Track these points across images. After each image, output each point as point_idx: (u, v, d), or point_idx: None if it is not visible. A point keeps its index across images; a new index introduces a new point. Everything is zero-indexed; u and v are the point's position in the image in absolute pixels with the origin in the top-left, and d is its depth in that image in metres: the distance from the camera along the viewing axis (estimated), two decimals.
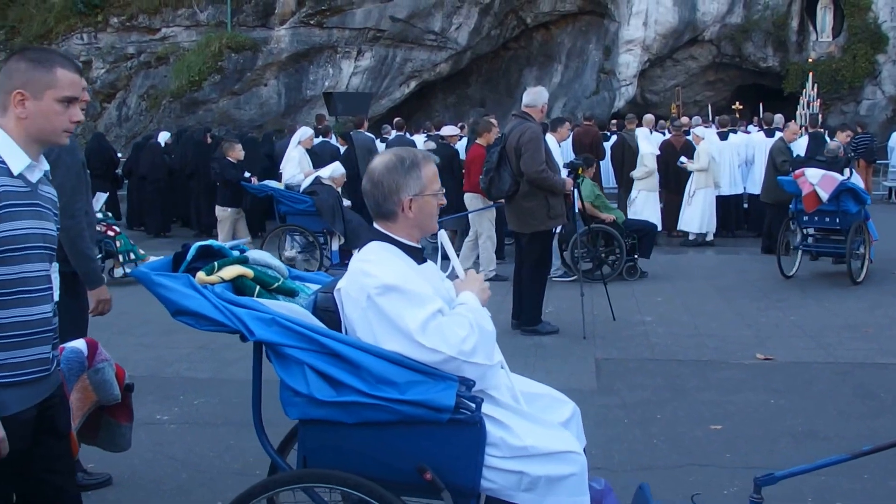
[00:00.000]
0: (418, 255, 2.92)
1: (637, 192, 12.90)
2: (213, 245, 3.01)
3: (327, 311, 2.88)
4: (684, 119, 18.46)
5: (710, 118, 20.61)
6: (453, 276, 3.09)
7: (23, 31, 23.80)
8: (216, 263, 2.90)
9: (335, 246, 10.77)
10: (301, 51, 22.96)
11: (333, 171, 11.08)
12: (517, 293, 7.74)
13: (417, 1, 22.90)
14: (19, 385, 2.47)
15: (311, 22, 22.97)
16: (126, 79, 23.60)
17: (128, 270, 10.09)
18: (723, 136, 14.22)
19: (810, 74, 23.74)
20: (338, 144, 15.01)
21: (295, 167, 11.51)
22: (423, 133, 17.11)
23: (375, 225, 2.93)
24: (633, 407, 5.57)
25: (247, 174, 11.58)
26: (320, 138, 15.56)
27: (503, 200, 7.75)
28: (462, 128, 16.72)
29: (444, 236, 3.13)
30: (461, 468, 2.66)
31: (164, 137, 16.85)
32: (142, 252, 10.55)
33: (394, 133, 17.45)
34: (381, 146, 15.45)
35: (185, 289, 2.73)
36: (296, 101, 23.05)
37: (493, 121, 10.73)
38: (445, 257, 3.12)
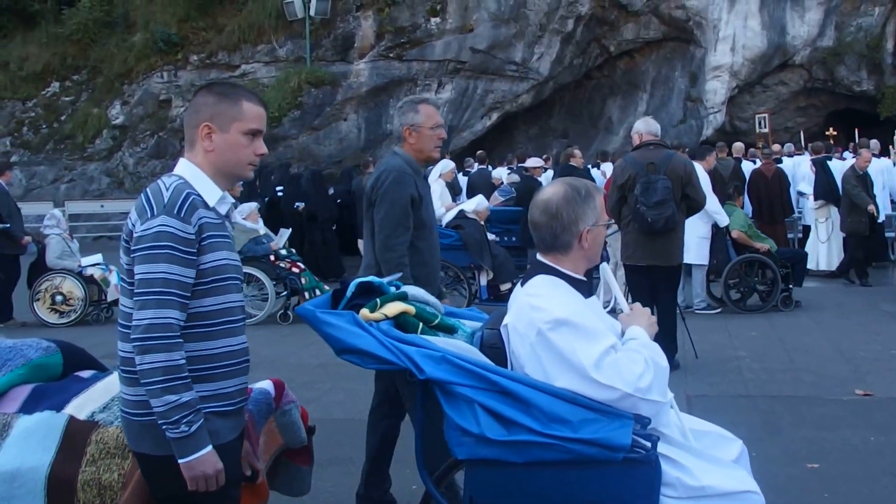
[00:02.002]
0: (585, 289, 2.87)
1: None
2: (374, 281, 2.99)
3: (494, 347, 2.83)
4: (776, 147, 17.76)
5: (804, 145, 19.80)
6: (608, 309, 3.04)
7: (105, 71, 23.92)
8: (378, 300, 2.87)
9: (483, 281, 10.34)
10: (380, 84, 22.62)
11: (478, 204, 10.78)
12: None
13: (498, 31, 22.43)
14: (227, 416, 2.55)
15: (391, 55, 22.65)
16: None
17: None
18: (819, 163, 13.51)
19: None
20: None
21: (436, 201, 11.06)
22: (506, 166, 16.65)
23: (541, 258, 2.89)
24: None
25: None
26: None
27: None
28: (546, 159, 16.28)
29: (606, 269, 3.08)
30: None
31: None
32: (327, 288, 10.32)
33: (476, 166, 17.01)
34: (462, 180, 15.04)
35: (351, 326, 2.72)
36: (376, 136, 22.69)
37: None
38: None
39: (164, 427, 2.39)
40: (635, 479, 2.57)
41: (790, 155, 17.38)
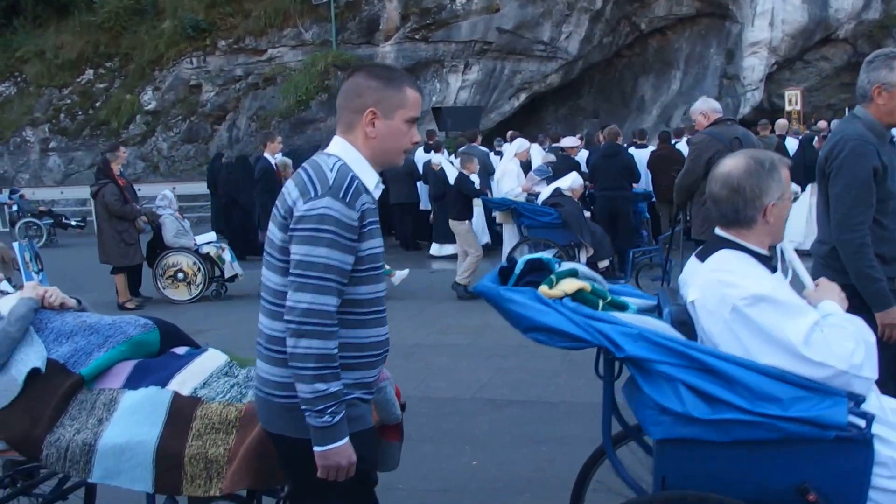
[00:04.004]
0: (769, 264, 2.75)
1: None
2: (543, 258, 2.95)
3: (684, 324, 2.77)
4: (821, 123, 17.10)
5: None
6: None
7: (136, 58, 24.24)
8: (553, 277, 2.80)
9: (583, 259, 10.10)
10: (407, 66, 22.42)
11: (573, 181, 10.57)
12: None
13: (524, 11, 22.05)
14: (368, 403, 2.57)
15: (417, 37, 22.48)
16: (235, 101, 23.69)
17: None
18: None
19: None
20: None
21: (513, 180, 11.09)
22: (539, 145, 16.33)
23: (722, 233, 2.79)
24: None
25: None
26: (431, 153, 15.03)
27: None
28: (581, 139, 15.93)
29: (787, 245, 2.99)
30: (846, 489, 2.50)
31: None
32: (387, 267, 10.19)
33: (505, 146, 16.71)
34: (494, 160, 14.83)
35: (536, 304, 2.66)
36: None
37: None
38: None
39: (307, 413, 2.36)
40: (847, 458, 2.49)
41: None
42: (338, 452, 2.38)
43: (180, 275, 10.45)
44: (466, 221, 10.27)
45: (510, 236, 10.52)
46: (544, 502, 4.26)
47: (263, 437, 2.77)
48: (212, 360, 3.28)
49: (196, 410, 3.02)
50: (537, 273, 2.88)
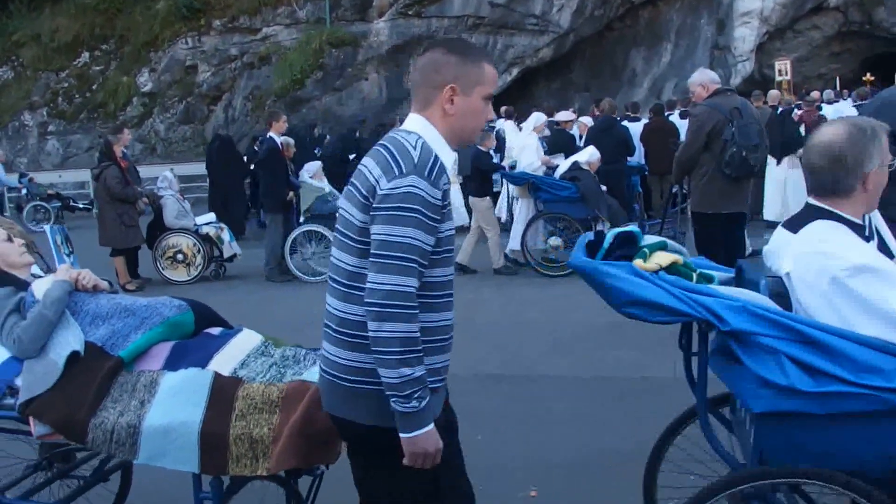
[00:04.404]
0: (863, 234, 2.71)
1: None
2: (633, 231, 2.89)
3: (781, 295, 2.70)
4: (815, 93, 17.28)
5: (839, 92, 19.20)
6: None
7: (131, 39, 24.37)
8: (646, 249, 2.77)
9: None
10: (401, 43, 22.63)
11: (591, 155, 10.56)
12: None
13: None
14: (437, 392, 2.44)
15: (410, 13, 22.62)
16: (231, 81, 23.85)
17: None
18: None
19: None
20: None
21: (533, 154, 10.91)
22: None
23: (816, 202, 2.72)
24: None
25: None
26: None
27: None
28: (574, 113, 16.03)
29: (877, 215, 2.94)
30: None
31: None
32: None
33: (499, 123, 16.84)
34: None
35: (634, 278, 2.57)
36: (398, 95, 22.75)
37: None
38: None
39: (392, 399, 2.27)
40: None
41: (829, 102, 16.94)
42: (425, 438, 2.31)
43: (180, 256, 10.56)
44: (487, 198, 10.29)
45: (525, 210, 10.56)
46: (549, 479, 4.34)
47: (308, 416, 2.85)
48: (248, 340, 3.33)
49: (238, 391, 3.03)
50: (627, 247, 2.82)
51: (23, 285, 3.43)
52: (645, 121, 14.31)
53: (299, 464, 2.91)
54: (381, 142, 2.43)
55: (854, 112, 13.09)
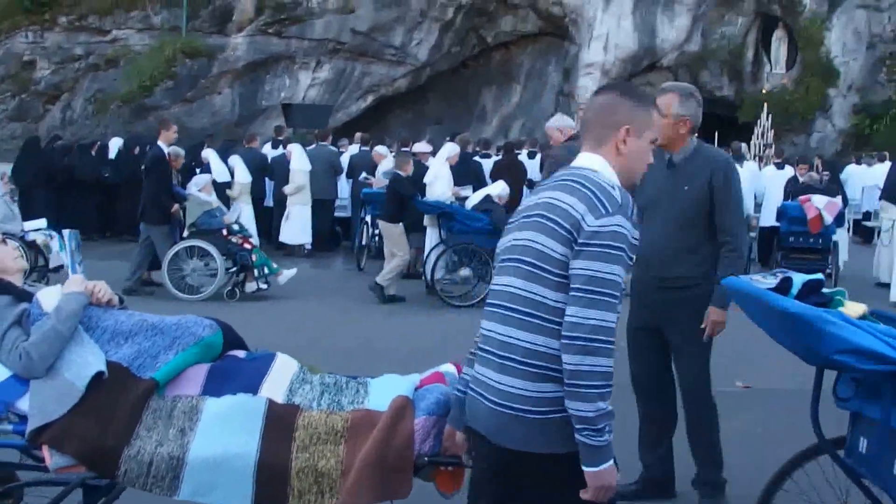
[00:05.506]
0: None
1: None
2: (819, 279, 2.94)
3: None
4: None
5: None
6: None
7: None
8: (840, 298, 2.84)
9: None
10: (258, 60, 22.43)
11: (502, 189, 10.80)
12: None
13: (379, 14, 22.57)
14: None
15: (270, 31, 22.47)
16: (72, 81, 22.72)
17: (262, 286, 9.82)
18: None
19: (765, 105, 24.00)
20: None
21: (445, 185, 11.03)
22: (388, 148, 16.64)
23: None
24: None
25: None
26: (280, 148, 15.21)
27: None
28: (429, 142, 16.37)
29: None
30: None
31: (116, 144, 16.24)
32: (275, 266, 10.12)
33: (353, 148, 16.98)
34: (343, 161, 15.14)
35: (851, 326, 2.63)
36: (250, 111, 22.50)
37: None
38: None
39: (584, 433, 2.29)
40: None
41: None
42: (609, 472, 2.34)
43: None
44: (400, 224, 10.31)
45: (432, 240, 10.65)
46: None
47: (381, 448, 2.71)
48: (288, 365, 3.12)
49: (297, 420, 2.82)
50: (814, 295, 2.89)
51: (23, 294, 3.12)
52: (496, 158, 14.89)
53: (373, 499, 2.72)
54: (568, 177, 2.49)
55: None
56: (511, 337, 2.43)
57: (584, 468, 2.32)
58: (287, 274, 10.10)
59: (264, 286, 9.88)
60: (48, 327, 2.92)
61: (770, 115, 23.53)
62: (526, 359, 2.39)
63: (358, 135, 17.55)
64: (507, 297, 2.46)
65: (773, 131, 23.14)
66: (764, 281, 2.99)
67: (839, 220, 11.56)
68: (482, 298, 8.98)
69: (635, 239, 2.40)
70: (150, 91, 21.63)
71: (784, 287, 2.89)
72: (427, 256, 10.56)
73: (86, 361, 2.89)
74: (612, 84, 2.91)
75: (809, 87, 25.67)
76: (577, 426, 2.31)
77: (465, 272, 10.27)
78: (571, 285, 2.34)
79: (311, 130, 17.68)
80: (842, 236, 12.37)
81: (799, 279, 2.92)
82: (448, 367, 3.22)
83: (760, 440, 5.37)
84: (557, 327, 2.34)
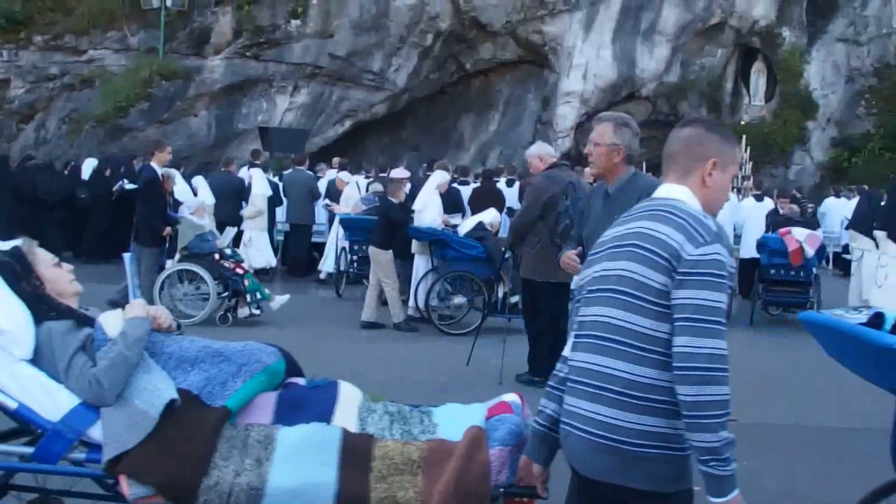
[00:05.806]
0: None
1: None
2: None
3: None
4: None
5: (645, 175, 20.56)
6: None
7: None
8: None
9: (500, 293, 10.02)
10: (235, 83, 22.31)
11: (494, 217, 10.74)
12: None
13: (358, 39, 22.51)
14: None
15: (248, 54, 22.37)
16: (47, 100, 22.55)
17: (255, 311, 9.66)
18: None
19: (744, 137, 24.03)
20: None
21: (435, 212, 10.83)
22: (364, 174, 16.56)
23: None
24: None
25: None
26: (270, 173, 15.16)
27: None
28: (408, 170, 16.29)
29: None
30: None
31: (90, 164, 16.07)
32: (267, 292, 9.95)
33: (330, 172, 16.88)
34: (322, 185, 15.05)
35: None
36: (226, 134, 22.33)
37: None
38: None
39: (711, 464, 2.28)
40: None
41: None
42: (738, 501, 2.32)
43: None
44: (390, 251, 10.14)
45: (421, 267, 10.53)
46: None
47: (460, 479, 2.70)
48: (352, 394, 3.12)
49: (373, 450, 2.81)
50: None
51: (83, 319, 3.05)
52: (474, 185, 14.80)
53: None
54: (656, 208, 2.51)
55: None
56: (610, 368, 2.41)
57: (710, 499, 2.31)
58: (279, 300, 9.93)
59: (257, 311, 9.74)
60: (115, 353, 2.86)
61: (748, 147, 23.53)
62: (627, 389, 2.38)
63: (335, 160, 17.47)
64: (603, 328, 2.45)
65: (751, 163, 23.14)
66: (849, 316, 3.00)
67: (820, 252, 11.55)
68: (477, 326, 9.05)
69: (732, 267, 2.44)
70: (125, 112, 21.46)
71: (877, 322, 2.90)
72: (418, 284, 10.38)
73: (156, 388, 2.85)
74: (695, 118, 2.85)
75: (788, 119, 25.78)
76: (703, 457, 2.30)
77: (458, 300, 10.20)
78: (676, 315, 2.34)
79: (288, 155, 17.54)
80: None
81: (892, 315, 2.92)
82: (512, 397, 3.23)
83: (745, 473, 5.42)
84: (658, 357, 2.35)
